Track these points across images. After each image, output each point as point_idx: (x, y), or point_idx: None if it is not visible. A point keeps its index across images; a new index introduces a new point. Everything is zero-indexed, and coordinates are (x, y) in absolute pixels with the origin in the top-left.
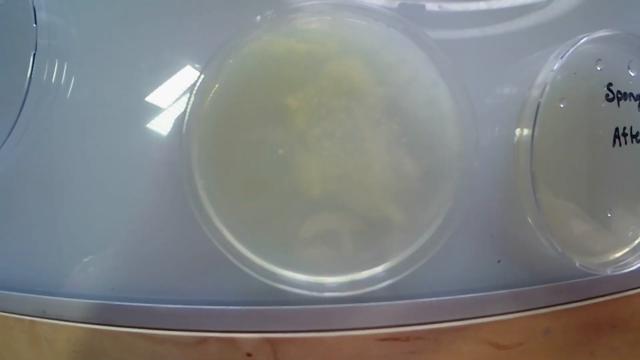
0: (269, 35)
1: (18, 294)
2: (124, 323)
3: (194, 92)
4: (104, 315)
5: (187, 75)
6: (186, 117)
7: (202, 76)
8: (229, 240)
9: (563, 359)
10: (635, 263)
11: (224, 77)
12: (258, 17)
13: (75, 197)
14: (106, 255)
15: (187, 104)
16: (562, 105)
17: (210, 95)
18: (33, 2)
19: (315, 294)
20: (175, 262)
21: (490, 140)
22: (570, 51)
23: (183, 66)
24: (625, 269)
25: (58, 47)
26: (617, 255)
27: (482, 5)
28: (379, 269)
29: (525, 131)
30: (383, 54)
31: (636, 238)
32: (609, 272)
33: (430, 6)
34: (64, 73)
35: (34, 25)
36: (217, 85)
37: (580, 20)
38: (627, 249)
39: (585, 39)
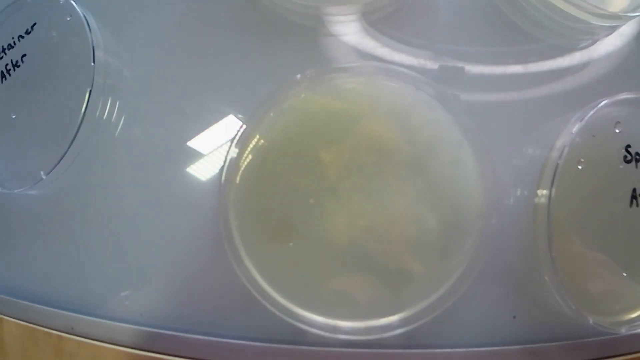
0: (307, 92)
1: (50, 309)
2: (147, 348)
3: (236, 140)
4: (130, 338)
5: (230, 124)
6: (227, 163)
7: (244, 126)
8: (256, 278)
9: None
10: None
11: (264, 128)
12: (298, 76)
13: (114, 226)
14: (139, 282)
15: (228, 151)
16: (580, 167)
17: (251, 144)
18: (93, 41)
19: (329, 335)
20: (204, 296)
21: (512, 200)
22: (589, 115)
23: (226, 115)
24: (639, 329)
25: (112, 86)
26: (633, 315)
27: (520, 69)
28: (394, 318)
29: (544, 191)
30: (412, 114)
31: None
32: (623, 331)
33: (470, 68)
34: (115, 111)
35: (92, 63)
36: (257, 136)
37: (608, 84)
38: None
39: (604, 102)
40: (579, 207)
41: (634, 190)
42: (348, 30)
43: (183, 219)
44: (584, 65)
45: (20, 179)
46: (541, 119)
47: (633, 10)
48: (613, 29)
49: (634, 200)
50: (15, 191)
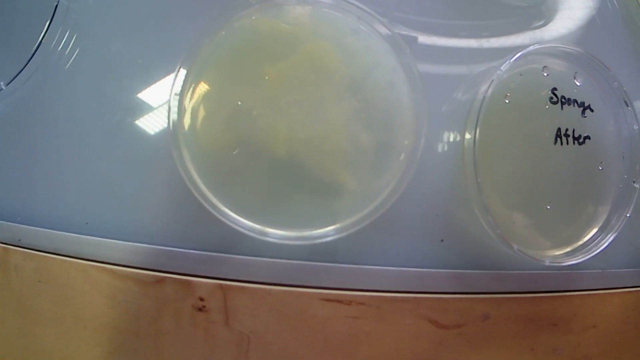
0: (258, 14)
1: None
2: (90, 257)
3: (187, 54)
4: (74, 247)
5: (183, 42)
6: (177, 74)
7: (197, 43)
8: (197, 182)
9: (502, 349)
10: (572, 259)
11: (216, 44)
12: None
13: (62, 139)
14: (84, 191)
15: (179, 65)
16: (507, 102)
17: (201, 58)
18: None
19: (259, 237)
20: (145, 202)
21: (446, 136)
22: (517, 55)
23: (181, 33)
24: (563, 262)
25: (73, 10)
26: (557, 253)
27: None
28: (327, 229)
29: (472, 122)
30: (352, 40)
31: (577, 239)
32: (546, 262)
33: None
34: (75, 36)
35: None
36: (207, 50)
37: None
38: (568, 249)
39: (533, 47)
40: (506, 140)
41: (559, 129)
42: None
43: (130, 129)
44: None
45: None
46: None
47: None
48: None
49: (558, 139)
50: None
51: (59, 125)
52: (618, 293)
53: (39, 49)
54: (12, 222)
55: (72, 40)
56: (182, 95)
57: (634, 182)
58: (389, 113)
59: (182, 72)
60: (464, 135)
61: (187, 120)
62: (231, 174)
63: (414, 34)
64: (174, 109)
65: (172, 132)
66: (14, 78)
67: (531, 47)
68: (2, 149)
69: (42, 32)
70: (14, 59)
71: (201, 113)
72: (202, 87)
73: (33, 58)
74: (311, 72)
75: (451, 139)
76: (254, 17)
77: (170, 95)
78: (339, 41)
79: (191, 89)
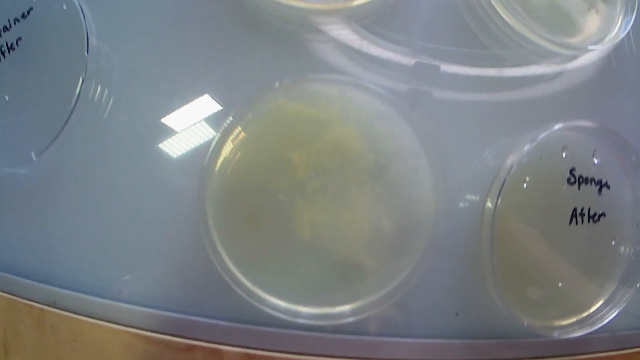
0: (283, 98)
1: (33, 282)
2: (124, 322)
3: (217, 136)
4: (107, 312)
5: (213, 116)
6: (208, 154)
7: (225, 123)
8: (227, 263)
9: None
10: (580, 331)
11: (242, 127)
12: (277, 83)
13: (97, 204)
14: (118, 259)
15: (211, 143)
16: (525, 185)
17: (230, 140)
18: (87, 30)
19: (289, 318)
20: (178, 276)
21: (465, 204)
22: (539, 138)
23: (210, 107)
24: (571, 334)
25: (103, 71)
26: (565, 322)
27: (492, 72)
28: (347, 307)
29: (491, 203)
30: (376, 125)
31: (584, 310)
32: (555, 335)
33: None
34: (104, 96)
35: (86, 54)
36: (235, 134)
37: (564, 108)
38: (574, 319)
39: (555, 127)
40: (522, 220)
41: (574, 209)
42: (331, 32)
43: (164, 202)
44: (552, 83)
45: (11, 159)
46: (502, 130)
47: (592, 43)
48: (578, 55)
49: (574, 219)
50: (6, 169)
51: (93, 191)
52: (627, 354)
53: (70, 118)
54: (48, 284)
55: (106, 105)
56: (210, 178)
57: None
58: (411, 198)
59: (212, 153)
60: (483, 217)
61: (216, 201)
62: (260, 255)
63: (436, 62)
64: (202, 192)
65: (202, 214)
66: (45, 149)
67: (554, 128)
68: (39, 213)
69: (72, 103)
70: (44, 130)
71: (230, 195)
72: (230, 170)
73: (64, 130)
74: (336, 157)
75: (469, 220)
76: (279, 101)
77: (199, 184)
78: (364, 126)
79: (219, 171)
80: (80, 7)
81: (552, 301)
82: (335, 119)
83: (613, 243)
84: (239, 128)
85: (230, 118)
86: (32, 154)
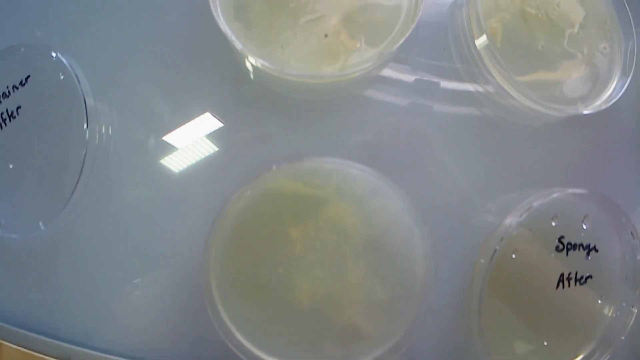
0: (281, 178)
1: (48, 339)
2: None
3: (220, 214)
4: None
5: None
6: (211, 230)
7: (228, 203)
8: (232, 330)
9: None
10: None
11: (243, 205)
12: (274, 167)
13: (109, 266)
14: (131, 320)
15: (214, 221)
16: (514, 256)
17: (232, 217)
18: (85, 101)
19: None
20: (186, 341)
21: (457, 266)
22: (532, 209)
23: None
24: None
25: (103, 134)
26: None
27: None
28: None
29: (480, 268)
30: (371, 201)
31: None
32: None
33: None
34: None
35: (85, 127)
36: (237, 211)
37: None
38: None
39: (543, 200)
40: (511, 285)
41: (562, 275)
42: None
43: (171, 268)
44: (549, 145)
45: (19, 228)
46: (494, 190)
47: (586, 107)
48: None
49: (561, 284)
50: (14, 236)
51: (110, 253)
52: None
53: (77, 184)
54: (63, 341)
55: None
56: (214, 252)
57: (632, 307)
58: (404, 268)
59: (215, 228)
60: (472, 281)
61: (220, 273)
62: (262, 322)
63: (435, 79)
64: (207, 265)
65: (206, 285)
66: (54, 217)
67: (542, 200)
68: (53, 271)
69: (78, 169)
70: (51, 197)
71: (233, 267)
72: (232, 243)
73: (72, 197)
74: (332, 233)
75: (459, 284)
76: (277, 181)
77: (203, 258)
78: (359, 202)
79: (223, 245)
80: (77, 77)
81: (539, 356)
82: (331, 196)
83: (599, 302)
84: (239, 206)
85: (228, 202)
86: (40, 224)
